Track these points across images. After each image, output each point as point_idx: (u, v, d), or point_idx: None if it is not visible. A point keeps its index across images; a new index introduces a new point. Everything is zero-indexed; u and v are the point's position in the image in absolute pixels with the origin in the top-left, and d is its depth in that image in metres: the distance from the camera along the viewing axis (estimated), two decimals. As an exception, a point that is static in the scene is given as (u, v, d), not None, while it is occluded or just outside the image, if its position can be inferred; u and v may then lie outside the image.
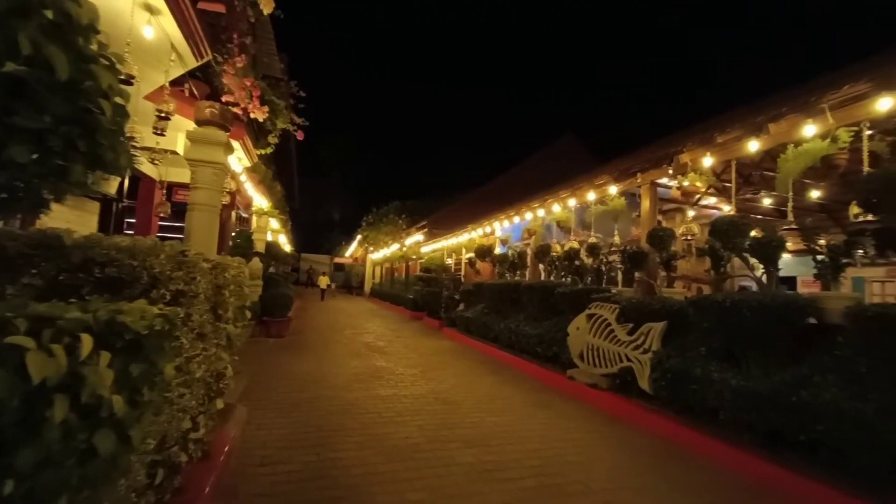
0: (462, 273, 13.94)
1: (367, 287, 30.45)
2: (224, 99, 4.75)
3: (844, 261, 3.48)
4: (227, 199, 6.77)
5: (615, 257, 6.12)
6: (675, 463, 3.50)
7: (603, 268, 6.57)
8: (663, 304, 4.80)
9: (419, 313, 14.64)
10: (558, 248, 8.17)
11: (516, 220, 10.67)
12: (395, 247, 22.64)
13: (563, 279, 7.63)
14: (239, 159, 6.46)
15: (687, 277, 9.37)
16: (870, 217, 3.15)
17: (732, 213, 5.18)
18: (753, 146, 4.46)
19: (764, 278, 4.01)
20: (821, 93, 3.72)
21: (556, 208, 8.62)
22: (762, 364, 3.73)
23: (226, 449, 2.90)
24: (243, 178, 8.16)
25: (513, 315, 8.14)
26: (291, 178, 18.54)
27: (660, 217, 6.77)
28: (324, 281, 23.76)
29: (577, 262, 6.95)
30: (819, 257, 3.71)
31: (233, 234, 8.92)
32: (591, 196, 7.49)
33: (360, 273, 35.13)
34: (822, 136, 3.80)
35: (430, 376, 6.13)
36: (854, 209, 3.53)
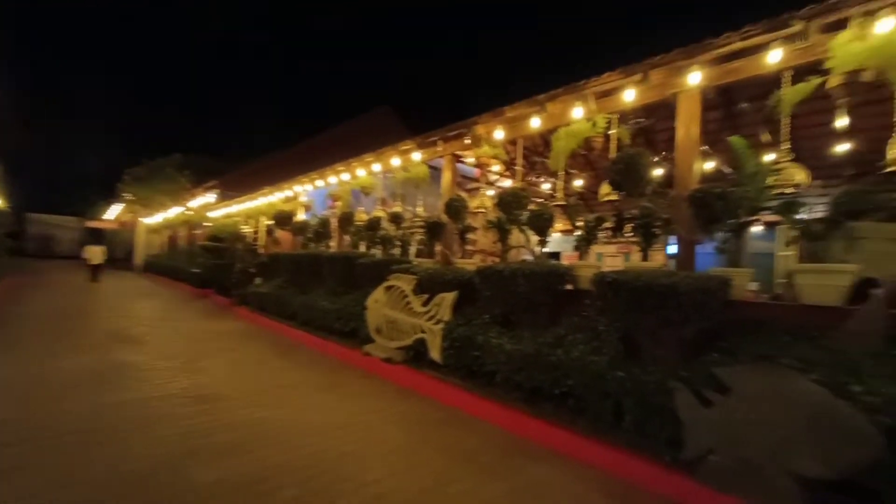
0: (259, 243, 12.22)
1: (140, 259, 24.38)
2: None
3: (594, 234, 4.00)
4: None
5: (418, 228, 6.04)
6: (453, 430, 3.50)
7: (408, 238, 6.44)
8: (455, 274, 4.85)
9: (205, 291, 12.32)
10: (364, 216, 7.72)
11: (321, 185, 9.76)
12: (177, 209, 18.55)
13: (370, 249, 7.25)
14: None
15: (484, 251, 10.30)
16: (615, 196, 3.70)
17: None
18: (535, 122, 4.88)
19: (538, 249, 4.38)
20: (587, 80, 4.24)
21: (362, 173, 8.11)
22: (531, 327, 4.05)
23: None
24: None
25: (314, 289, 7.38)
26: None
27: (464, 194, 7.05)
28: (95, 254, 16.22)
29: (381, 232, 6.64)
30: (577, 233, 4.19)
31: None
32: (396, 162, 7.22)
33: (126, 242, 27.67)
34: (588, 120, 4.36)
35: (195, 368, 4.92)
36: (604, 189, 4.14)
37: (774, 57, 3.16)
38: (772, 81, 3.45)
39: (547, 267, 3.90)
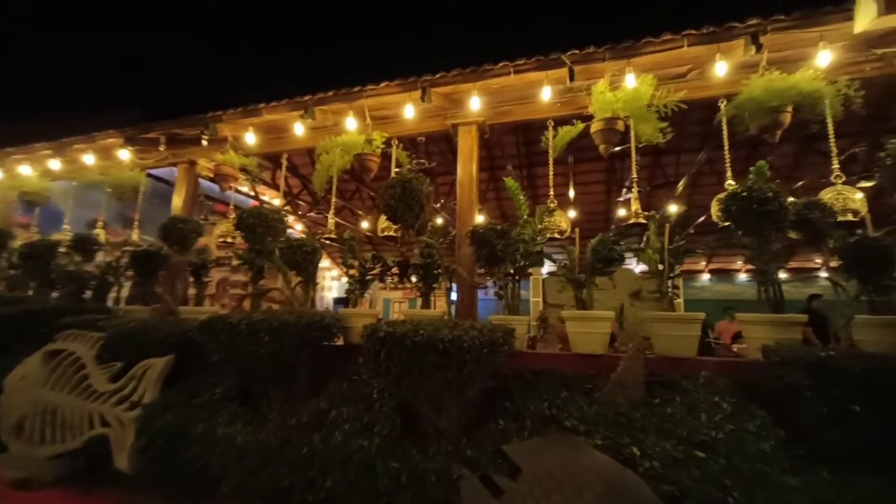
0: None
1: None
2: None
3: (368, 277, 3.25)
4: None
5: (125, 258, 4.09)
6: None
7: (110, 275, 4.32)
8: (173, 329, 3.28)
9: None
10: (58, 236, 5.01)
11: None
12: None
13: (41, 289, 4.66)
14: None
15: (273, 299, 8.33)
16: (393, 230, 3.11)
17: (280, 207, 4.51)
18: (299, 130, 3.97)
19: (300, 291, 3.33)
20: (362, 87, 3.68)
21: (27, 171, 5.34)
22: (282, 403, 2.91)
23: None
24: None
25: None
26: None
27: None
28: None
29: (60, 263, 4.30)
30: (350, 272, 3.37)
31: None
32: (91, 160, 4.95)
33: None
34: (365, 137, 3.73)
35: None
36: (382, 222, 3.54)
37: (546, 96, 3.26)
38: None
39: (306, 317, 2.89)
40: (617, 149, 5.25)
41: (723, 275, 12.88)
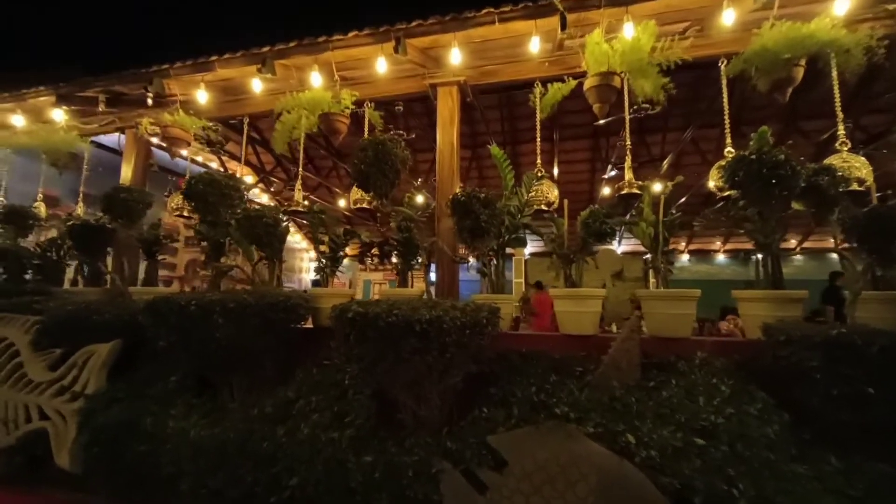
0: None
1: None
2: None
3: (341, 253, 2.96)
4: None
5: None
6: None
7: (52, 253, 3.86)
8: (123, 310, 2.95)
9: None
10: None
11: None
12: None
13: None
14: None
15: (239, 280, 7.87)
16: (366, 201, 2.82)
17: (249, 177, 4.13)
18: (258, 86, 3.55)
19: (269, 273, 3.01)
20: (328, 37, 3.26)
21: None
22: (245, 393, 2.64)
23: None
24: None
25: None
26: None
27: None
28: None
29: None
30: (321, 248, 3.08)
31: None
32: (20, 121, 4.37)
33: None
34: (331, 93, 3.34)
35: None
36: (354, 193, 3.23)
37: (534, 48, 2.96)
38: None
39: (269, 297, 2.60)
40: (603, 121, 4.97)
41: (702, 255, 13.03)
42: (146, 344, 2.90)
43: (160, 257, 3.52)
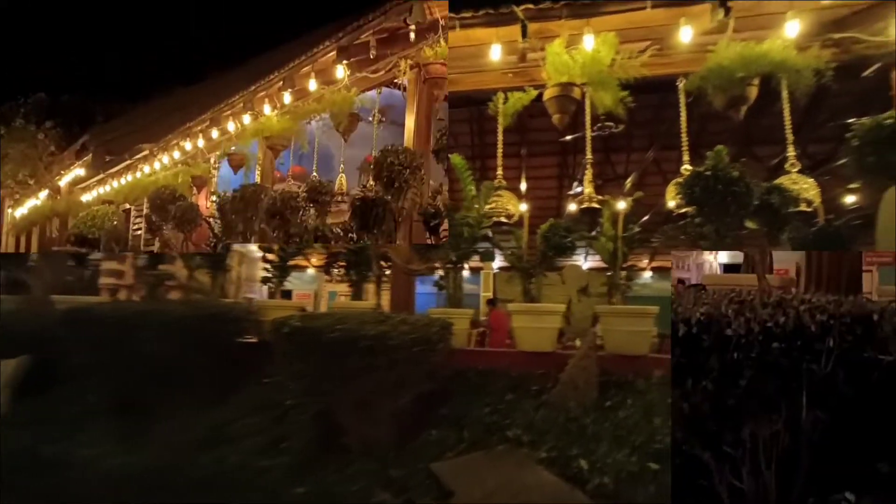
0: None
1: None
2: None
3: (290, 263, 2.78)
4: None
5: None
6: None
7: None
8: (36, 322, 2.63)
9: None
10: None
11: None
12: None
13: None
14: None
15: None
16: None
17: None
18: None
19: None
20: None
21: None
22: (174, 414, 2.39)
23: None
24: None
25: None
26: None
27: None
28: None
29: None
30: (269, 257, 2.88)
31: None
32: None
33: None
34: None
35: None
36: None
37: (495, 56, 2.87)
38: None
39: (209, 308, 2.38)
40: (569, 137, 4.96)
41: (665, 272, 13.39)
42: (65, 359, 2.60)
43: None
